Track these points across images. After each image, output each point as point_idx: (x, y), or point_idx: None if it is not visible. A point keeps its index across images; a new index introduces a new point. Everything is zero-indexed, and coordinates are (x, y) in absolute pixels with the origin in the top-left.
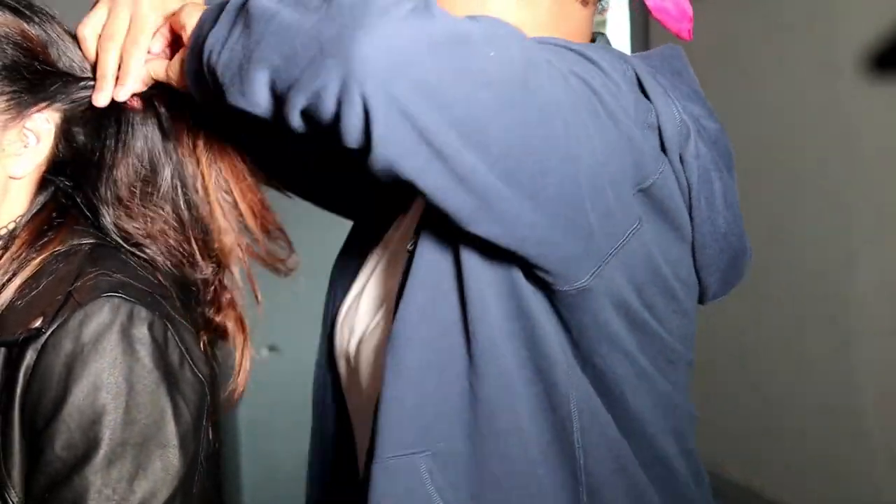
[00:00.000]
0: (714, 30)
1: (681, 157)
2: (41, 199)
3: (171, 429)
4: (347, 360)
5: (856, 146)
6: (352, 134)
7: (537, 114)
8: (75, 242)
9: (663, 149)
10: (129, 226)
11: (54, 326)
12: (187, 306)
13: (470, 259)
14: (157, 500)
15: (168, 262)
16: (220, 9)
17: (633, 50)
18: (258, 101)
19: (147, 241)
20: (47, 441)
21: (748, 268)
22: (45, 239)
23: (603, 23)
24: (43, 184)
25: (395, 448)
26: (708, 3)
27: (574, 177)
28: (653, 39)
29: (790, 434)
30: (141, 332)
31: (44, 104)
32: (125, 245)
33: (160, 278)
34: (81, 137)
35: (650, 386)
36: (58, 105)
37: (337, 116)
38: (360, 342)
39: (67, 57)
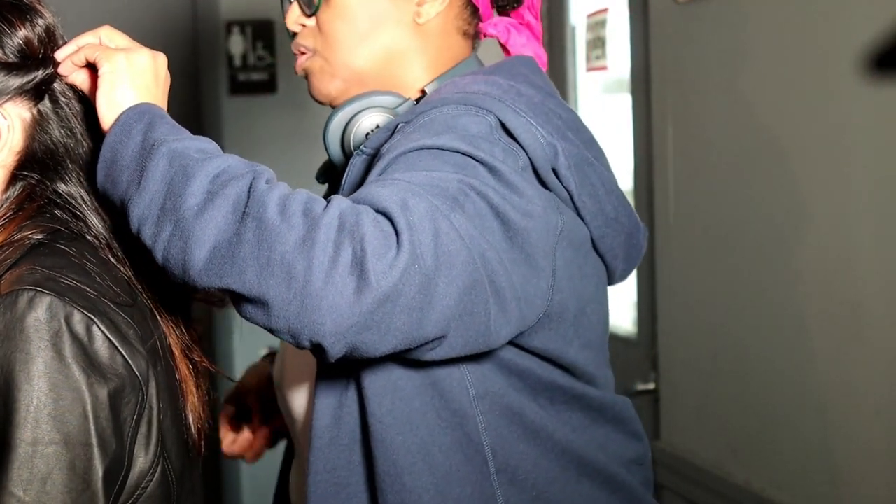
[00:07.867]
0: (714, 29)
1: (555, 172)
2: (9, 193)
3: (87, 426)
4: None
5: (857, 146)
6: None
7: (458, 296)
8: (25, 234)
9: (539, 178)
10: (98, 222)
11: None
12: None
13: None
14: (72, 502)
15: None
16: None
17: (635, 50)
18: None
19: (113, 240)
20: None
21: (645, 240)
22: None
23: (603, 23)
24: (12, 179)
25: None
26: (708, 4)
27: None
28: (652, 38)
29: (790, 435)
30: (56, 325)
31: None
32: (98, 241)
33: (111, 281)
34: (56, 132)
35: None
36: (6, 98)
37: (270, 329)
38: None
39: (11, 45)
